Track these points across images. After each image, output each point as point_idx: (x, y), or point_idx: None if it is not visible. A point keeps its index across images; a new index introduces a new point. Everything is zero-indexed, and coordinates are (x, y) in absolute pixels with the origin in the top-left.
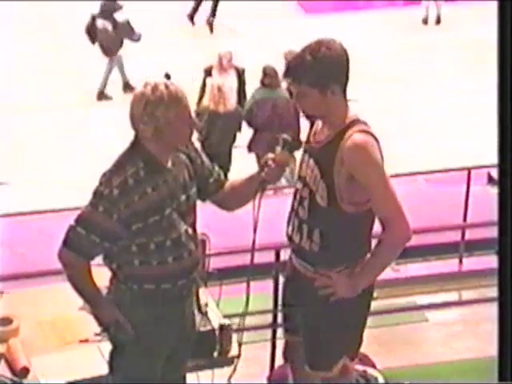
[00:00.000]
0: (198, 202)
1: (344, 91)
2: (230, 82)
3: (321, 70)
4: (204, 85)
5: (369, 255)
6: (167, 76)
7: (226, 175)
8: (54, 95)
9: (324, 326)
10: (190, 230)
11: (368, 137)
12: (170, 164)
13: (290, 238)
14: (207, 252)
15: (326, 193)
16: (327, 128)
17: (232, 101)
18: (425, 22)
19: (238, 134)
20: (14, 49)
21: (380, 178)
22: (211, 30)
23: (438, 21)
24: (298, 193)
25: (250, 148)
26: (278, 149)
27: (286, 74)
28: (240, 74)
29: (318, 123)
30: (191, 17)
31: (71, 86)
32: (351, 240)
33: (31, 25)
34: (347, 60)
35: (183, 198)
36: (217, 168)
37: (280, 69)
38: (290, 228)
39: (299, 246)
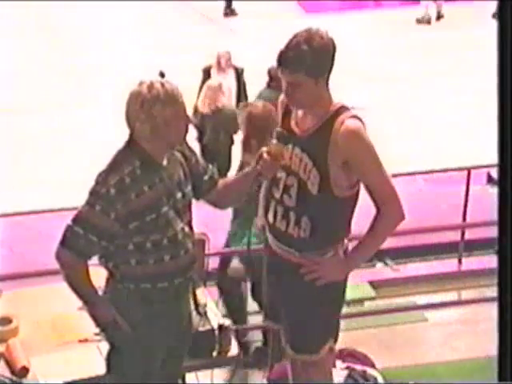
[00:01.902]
0: (197, 202)
1: (328, 79)
2: (229, 82)
3: (317, 60)
4: (203, 84)
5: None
6: (161, 74)
7: (225, 176)
8: (52, 95)
9: (310, 309)
10: (187, 228)
11: (359, 122)
12: (165, 162)
13: (271, 226)
14: (206, 252)
15: (319, 180)
16: (311, 117)
17: (227, 101)
18: (419, 21)
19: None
20: (12, 49)
21: (375, 161)
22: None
23: (439, 17)
24: (281, 182)
25: None
26: (273, 141)
27: (281, 64)
28: (239, 74)
29: (297, 112)
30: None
31: (68, 86)
32: (339, 223)
33: (30, 24)
34: (334, 49)
35: (179, 195)
36: (211, 166)
37: None
38: (272, 216)
39: (285, 233)
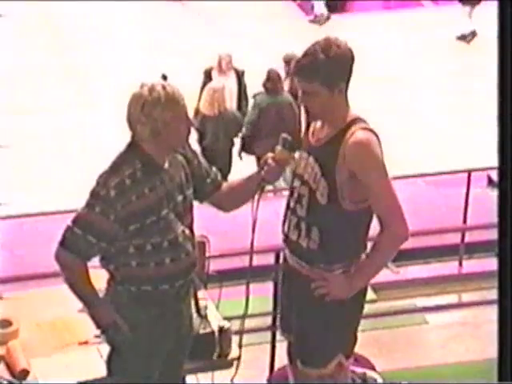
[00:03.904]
0: (198, 204)
1: (346, 89)
2: (230, 84)
3: (333, 69)
4: (204, 87)
5: (364, 255)
6: (164, 77)
7: (225, 178)
8: (53, 97)
9: (319, 322)
10: (187, 231)
11: (370, 134)
12: (166, 164)
13: (286, 236)
14: (207, 254)
15: (327, 191)
16: (327, 126)
17: (228, 103)
18: (313, 21)
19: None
20: (12, 50)
21: (381, 176)
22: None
23: (328, 18)
24: (296, 191)
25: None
26: (278, 147)
27: (297, 73)
28: (240, 76)
29: (317, 121)
30: None
31: (69, 88)
32: (350, 238)
33: (31, 25)
34: (353, 59)
35: (180, 198)
36: (214, 169)
37: (281, 71)
38: (287, 226)
39: (296, 243)
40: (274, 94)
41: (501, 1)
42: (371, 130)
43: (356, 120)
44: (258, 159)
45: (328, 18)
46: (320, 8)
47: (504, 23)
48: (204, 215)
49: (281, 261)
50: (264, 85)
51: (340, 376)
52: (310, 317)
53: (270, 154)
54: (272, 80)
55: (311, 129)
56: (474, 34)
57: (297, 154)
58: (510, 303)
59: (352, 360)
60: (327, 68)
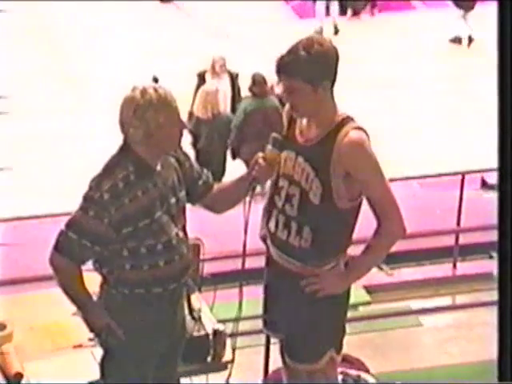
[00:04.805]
0: (192, 207)
1: (332, 89)
2: (224, 87)
3: (314, 66)
4: (198, 89)
5: (350, 249)
6: (155, 79)
7: (220, 181)
8: (46, 101)
9: (311, 318)
10: (181, 234)
11: (363, 134)
12: (159, 167)
13: (273, 235)
14: (201, 257)
15: (321, 190)
16: (316, 126)
17: (221, 106)
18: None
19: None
20: (8, 54)
21: (378, 174)
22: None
23: (336, 32)
24: (284, 191)
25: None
26: (269, 147)
27: (279, 69)
28: (233, 79)
29: (302, 121)
30: None
31: (62, 91)
32: (341, 235)
33: (28, 29)
34: (337, 57)
35: (173, 200)
36: (205, 171)
37: (273, 75)
38: (274, 225)
39: (286, 242)
40: (260, 98)
41: (501, 1)
42: (362, 129)
43: (346, 119)
44: (246, 163)
45: (321, 32)
46: (320, 13)
47: (504, 24)
48: (197, 217)
49: (266, 260)
50: (250, 89)
51: (331, 370)
52: (302, 313)
53: (260, 154)
54: (258, 84)
55: (297, 129)
56: (470, 38)
57: (282, 154)
58: (510, 303)
59: (341, 354)
60: (308, 64)
